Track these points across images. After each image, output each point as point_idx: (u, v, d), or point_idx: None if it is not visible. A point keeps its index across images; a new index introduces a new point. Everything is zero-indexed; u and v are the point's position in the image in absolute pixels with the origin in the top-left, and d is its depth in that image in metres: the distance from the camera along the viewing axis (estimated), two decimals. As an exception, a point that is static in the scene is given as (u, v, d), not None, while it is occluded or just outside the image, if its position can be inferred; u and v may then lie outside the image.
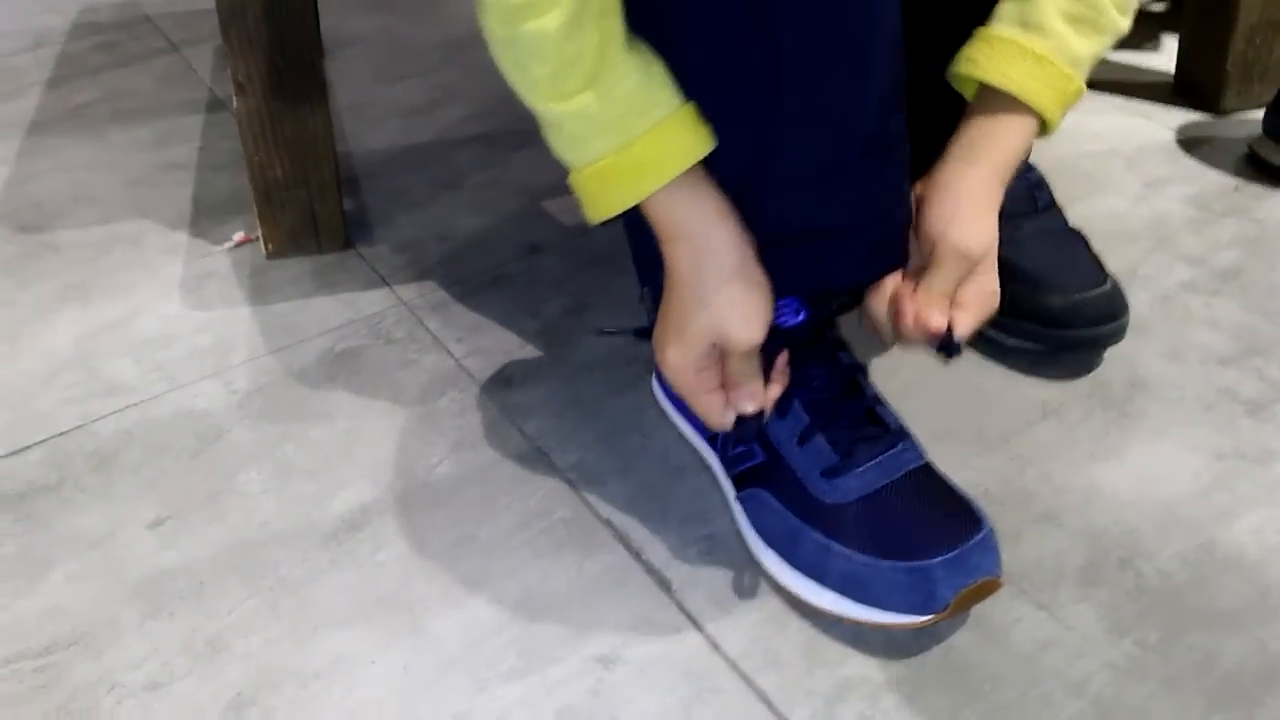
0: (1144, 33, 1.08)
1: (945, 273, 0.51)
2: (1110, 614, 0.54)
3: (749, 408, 0.52)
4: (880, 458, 0.53)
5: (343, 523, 0.60)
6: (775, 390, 0.54)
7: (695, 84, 0.48)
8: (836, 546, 0.51)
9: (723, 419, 0.53)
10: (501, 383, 0.70)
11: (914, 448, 0.54)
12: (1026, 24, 0.52)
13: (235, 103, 0.76)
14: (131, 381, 0.71)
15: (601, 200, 0.49)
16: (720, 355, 0.52)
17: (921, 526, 0.51)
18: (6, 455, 0.65)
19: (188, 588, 0.56)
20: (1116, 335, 0.67)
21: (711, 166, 0.50)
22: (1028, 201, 0.70)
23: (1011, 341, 0.69)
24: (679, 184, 0.48)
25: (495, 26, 0.47)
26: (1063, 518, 0.59)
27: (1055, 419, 0.66)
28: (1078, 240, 0.71)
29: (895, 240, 0.53)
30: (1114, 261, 0.77)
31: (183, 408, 0.68)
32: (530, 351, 0.73)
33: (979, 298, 0.52)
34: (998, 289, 0.53)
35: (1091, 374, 0.69)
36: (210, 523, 0.60)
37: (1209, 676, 0.50)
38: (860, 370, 0.57)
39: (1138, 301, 0.74)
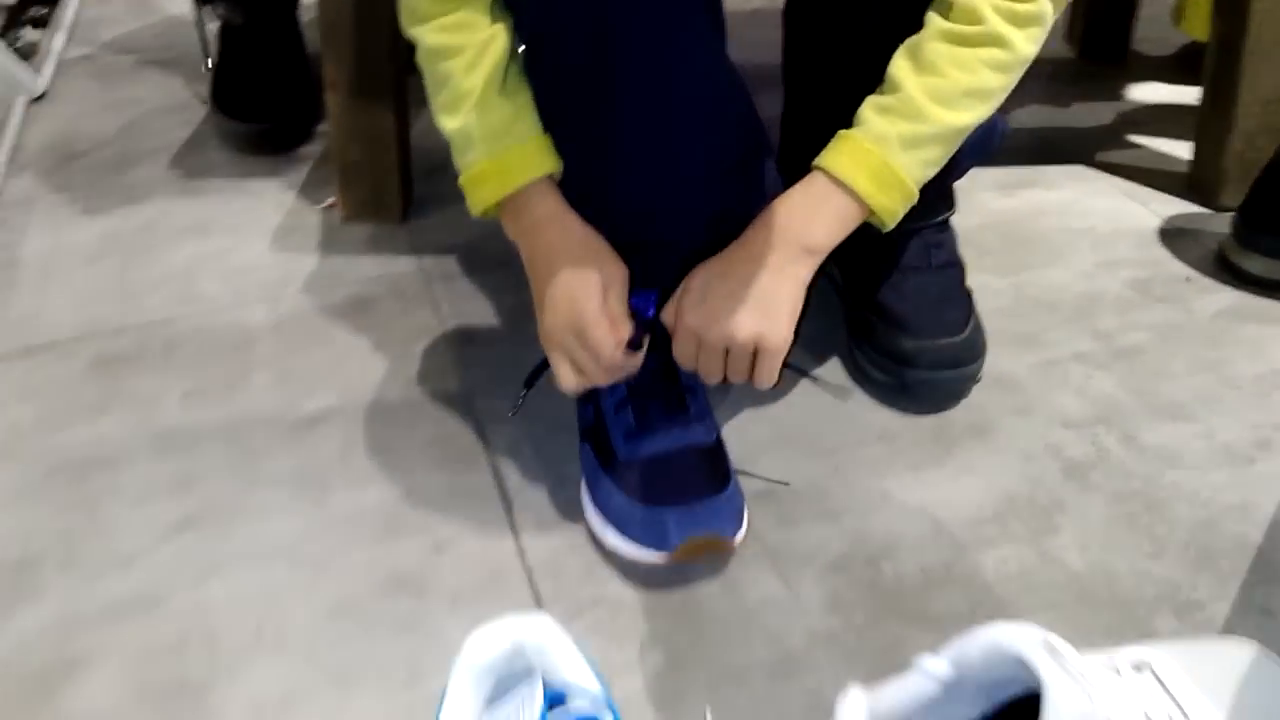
0: (1183, 124, 1.11)
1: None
2: (835, 596, 0.65)
3: (597, 379, 0.66)
4: (669, 432, 0.66)
5: (309, 418, 0.80)
6: (635, 361, 0.65)
7: (549, 119, 0.64)
8: (619, 493, 0.66)
9: (567, 383, 0.67)
10: (465, 340, 0.88)
11: (706, 430, 0.67)
12: (853, 121, 0.63)
13: (328, 97, 0.98)
14: (211, 295, 0.94)
15: (475, 196, 0.65)
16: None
17: (677, 484, 0.64)
18: (111, 332, 0.90)
19: (187, 442, 0.78)
20: (959, 381, 0.76)
21: (565, 187, 0.65)
22: (922, 257, 0.80)
23: (874, 373, 0.79)
24: (530, 192, 0.64)
25: (419, 60, 0.65)
26: (843, 518, 0.70)
27: (886, 443, 0.76)
28: (958, 298, 0.80)
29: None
30: (1025, 327, 0.86)
31: (236, 320, 0.91)
32: (498, 322, 0.90)
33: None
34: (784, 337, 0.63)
35: (941, 414, 0.78)
36: (220, 403, 0.82)
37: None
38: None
39: (1022, 364, 0.82)
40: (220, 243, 1.03)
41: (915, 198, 0.63)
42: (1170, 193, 1.04)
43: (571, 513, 0.71)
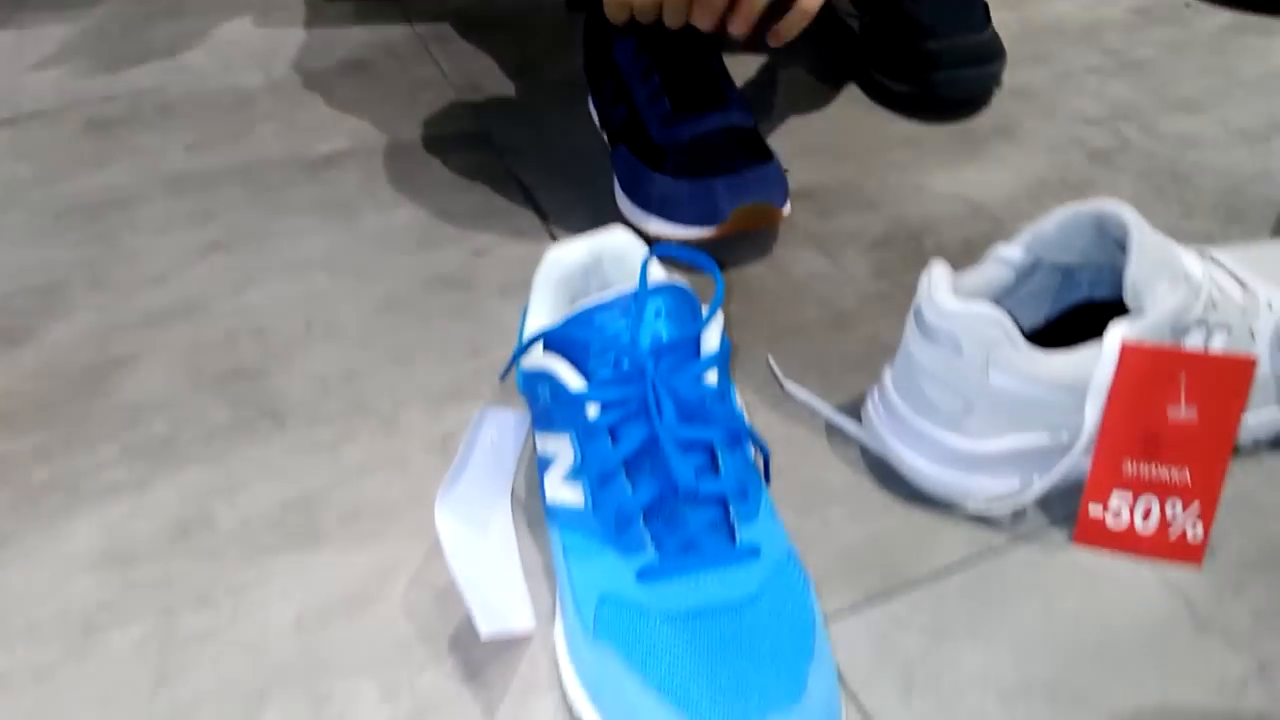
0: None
1: None
2: (881, 267, 0.65)
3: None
4: (707, 115, 0.66)
5: (322, 159, 0.78)
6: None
7: None
8: (659, 177, 0.65)
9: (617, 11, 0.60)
10: (473, 89, 0.86)
11: (742, 114, 0.67)
12: None
13: None
14: (199, 65, 0.90)
15: None
16: None
17: (718, 158, 0.63)
18: (99, 100, 0.86)
19: (201, 183, 0.75)
20: (983, 80, 0.76)
21: None
22: (938, -31, 0.79)
23: (896, 86, 0.79)
24: None
25: None
26: (881, 207, 0.70)
27: (914, 147, 0.76)
28: (978, 5, 0.79)
29: None
30: (1034, 48, 0.86)
31: (230, 83, 0.87)
32: (504, 70, 0.88)
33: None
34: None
35: (964, 121, 0.78)
36: (228, 151, 0.79)
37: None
38: (718, 59, 0.69)
39: (1038, 77, 0.83)
40: (198, 22, 0.98)
41: None
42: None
43: (609, 220, 0.71)
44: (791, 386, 0.56)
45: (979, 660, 0.44)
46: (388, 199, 0.74)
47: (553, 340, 0.44)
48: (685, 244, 0.64)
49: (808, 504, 0.51)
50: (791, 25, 0.61)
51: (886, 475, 0.52)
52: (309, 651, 0.45)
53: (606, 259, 0.50)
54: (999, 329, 0.44)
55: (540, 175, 0.75)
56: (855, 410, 0.55)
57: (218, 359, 0.61)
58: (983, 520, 0.50)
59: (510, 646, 0.45)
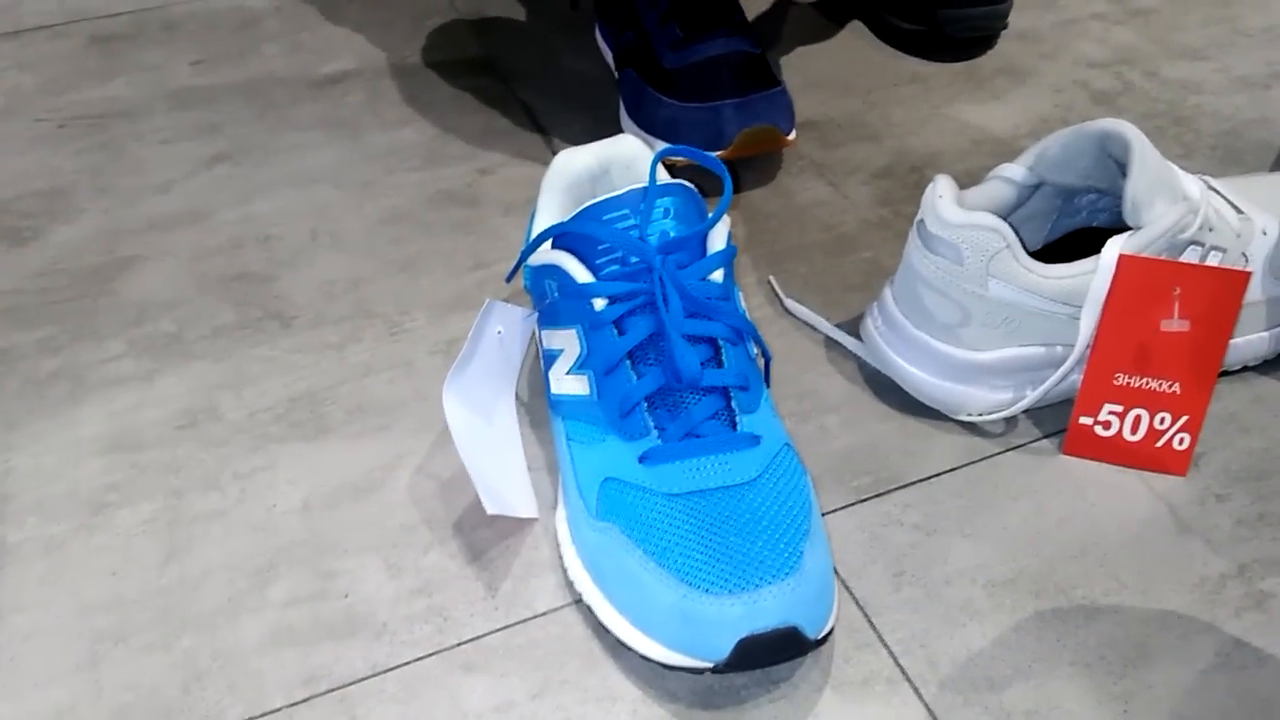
0: None
1: None
2: (883, 195, 0.66)
3: None
4: (717, 39, 0.66)
5: (327, 78, 0.78)
6: None
7: None
8: (665, 99, 0.65)
9: None
10: (477, 15, 0.85)
11: (750, 42, 0.67)
12: None
13: None
14: (204, -15, 0.91)
15: None
16: None
17: (725, 82, 0.64)
18: (103, 16, 0.85)
19: (206, 98, 0.75)
20: (991, 19, 0.77)
21: None
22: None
23: (904, 25, 0.79)
24: None
25: None
26: (884, 139, 0.71)
27: (919, 84, 0.77)
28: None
29: None
30: (1036, -5, 0.87)
31: (236, 3, 0.87)
32: (509, 2, 0.88)
33: None
34: None
35: (970, 61, 0.79)
36: (233, 69, 0.79)
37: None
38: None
39: (1043, 23, 0.83)
40: (203, -54, 0.98)
41: None
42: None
43: (609, 133, 0.71)
44: (791, 304, 0.57)
45: (967, 554, 0.45)
46: (393, 118, 0.74)
47: (561, 238, 0.45)
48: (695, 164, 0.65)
49: (805, 411, 0.52)
50: None
51: (882, 387, 0.53)
52: (316, 533, 0.46)
53: (615, 167, 0.50)
54: (1000, 239, 0.45)
55: (544, 99, 0.76)
56: (853, 328, 0.56)
57: (223, 263, 0.61)
58: (975, 430, 0.51)
59: (512, 532, 0.46)
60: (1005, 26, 0.79)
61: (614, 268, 0.43)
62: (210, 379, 0.54)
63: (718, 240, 0.44)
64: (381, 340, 0.56)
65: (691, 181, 0.49)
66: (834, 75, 0.78)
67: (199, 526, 0.47)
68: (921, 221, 0.48)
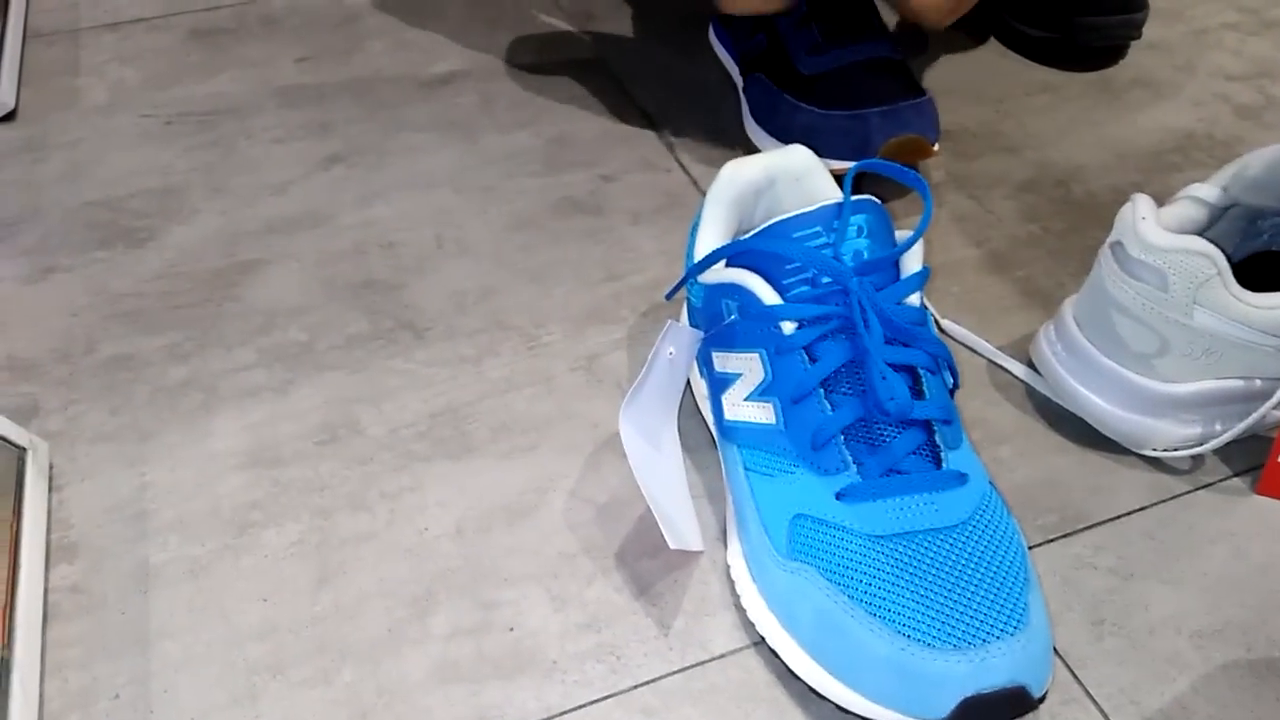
0: None
1: None
2: (1030, 210, 0.63)
3: None
4: (856, 45, 0.63)
5: (437, 78, 0.76)
6: None
7: None
8: (803, 106, 0.63)
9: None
10: (586, 16, 0.83)
11: (891, 48, 0.64)
12: None
13: None
14: (302, -21, 0.89)
15: None
16: None
17: (871, 89, 0.61)
18: (202, 9, 0.84)
19: (314, 96, 0.73)
20: (1129, 28, 0.74)
21: None
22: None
23: (1034, 32, 0.76)
24: None
25: None
26: (1024, 151, 0.68)
27: (1052, 93, 0.73)
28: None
29: None
30: (1165, 3, 0.83)
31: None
32: (617, 2, 0.86)
33: None
34: None
35: (1102, 71, 0.76)
36: (339, 66, 0.77)
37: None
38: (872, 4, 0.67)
39: (1174, 33, 0.80)
40: (297, -61, 0.96)
41: None
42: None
43: (737, 150, 0.68)
44: (949, 325, 0.54)
45: (1169, 602, 0.43)
46: (508, 121, 0.72)
47: (741, 255, 0.43)
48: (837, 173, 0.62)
49: (975, 442, 0.49)
50: None
51: (1056, 417, 0.50)
52: (471, 559, 0.44)
53: (782, 179, 0.48)
54: (1211, 265, 0.42)
55: (661, 103, 0.73)
56: (1017, 352, 0.53)
57: (348, 270, 0.59)
58: (1160, 465, 0.48)
59: (679, 565, 0.44)
60: (1139, 36, 0.76)
61: (803, 288, 0.41)
62: (347, 391, 0.52)
63: (913, 262, 0.42)
64: (520, 354, 0.54)
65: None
66: (962, 82, 0.75)
67: (349, 550, 0.44)
68: (1119, 244, 0.45)
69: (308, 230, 0.62)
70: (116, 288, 0.58)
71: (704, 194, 0.55)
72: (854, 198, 0.42)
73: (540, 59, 0.78)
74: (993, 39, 0.79)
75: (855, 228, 0.41)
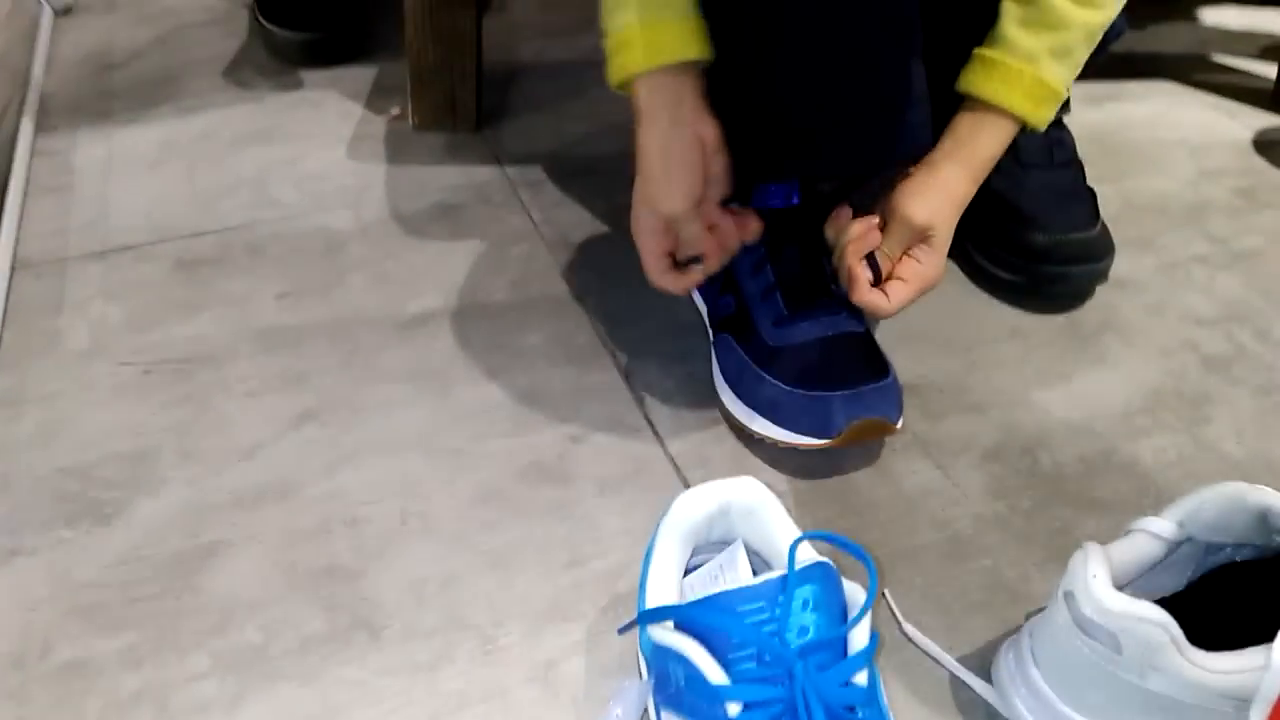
0: (1259, 44, 1.11)
1: (893, 239, 0.62)
2: (997, 483, 0.63)
3: (693, 273, 0.64)
4: (822, 318, 0.64)
5: (414, 318, 0.77)
6: (711, 263, 0.63)
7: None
8: (769, 379, 0.63)
9: (658, 279, 0.64)
10: (564, 243, 0.85)
11: (855, 320, 0.65)
12: (991, 40, 0.62)
13: (405, -3, 0.94)
14: (288, 201, 0.90)
15: (614, 64, 0.61)
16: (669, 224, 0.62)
17: (836, 369, 0.62)
18: (188, 236, 0.85)
19: (293, 339, 0.74)
20: (1092, 276, 0.75)
21: (715, 74, 0.61)
22: (1044, 154, 0.78)
23: (1000, 273, 0.77)
24: (667, 76, 0.59)
25: None
26: (990, 411, 0.68)
27: (1020, 340, 0.74)
28: (1082, 194, 0.78)
29: (882, 144, 0.63)
30: (1137, 230, 0.84)
31: (321, 224, 0.87)
32: (596, 227, 0.87)
33: (916, 276, 0.62)
34: (940, 272, 0.63)
35: (1070, 312, 0.77)
36: (319, 302, 0.78)
37: (1059, 539, 0.60)
38: (829, 252, 0.68)
39: (1143, 266, 0.81)
40: (287, 150, 0.98)
41: (1064, 97, 0.62)
42: (1258, 107, 1.03)
43: (706, 406, 0.69)
44: (911, 630, 0.54)
45: None
46: (481, 370, 0.72)
47: (687, 619, 0.42)
48: (799, 448, 0.62)
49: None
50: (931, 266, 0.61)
51: (1017, 746, 0.49)
52: None
53: (735, 511, 0.48)
54: (1165, 634, 0.42)
55: (634, 349, 0.74)
56: (981, 662, 0.53)
57: (311, 552, 0.59)
58: (1124, 811, 0.47)
59: None
60: (1105, 280, 0.77)
61: (749, 665, 0.40)
62: (297, 709, 0.51)
63: (861, 637, 0.41)
64: (475, 661, 0.53)
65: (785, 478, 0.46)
66: (929, 325, 0.75)
67: None
68: (1072, 595, 0.45)
69: (274, 504, 0.62)
70: (79, 576, 0.58)
71: (668, 510, 0.55)
72: (801, 564, 0.42)
73: (517, 294, 0.79)
74: (960, 274, 0.80)
75: (801, 600, 0.41)
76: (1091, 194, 0.78)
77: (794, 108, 0.63)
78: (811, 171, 0.66)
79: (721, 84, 0.61)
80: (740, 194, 0.66)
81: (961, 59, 0.63)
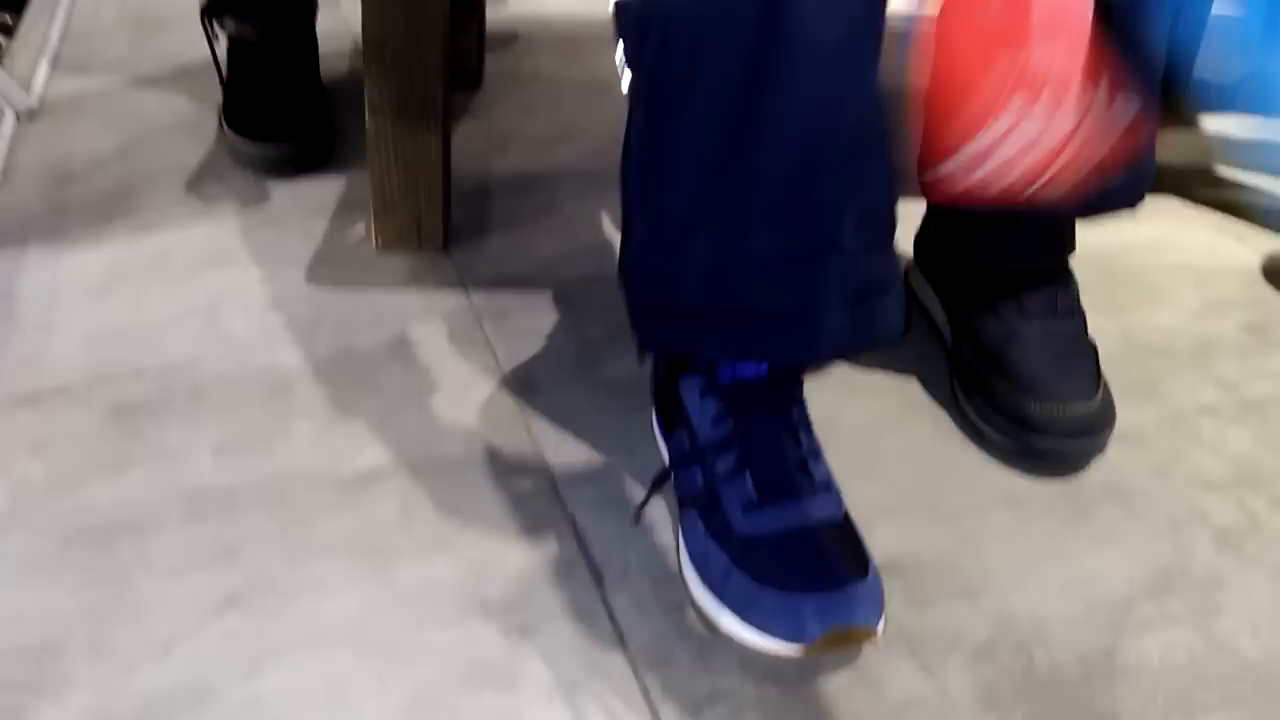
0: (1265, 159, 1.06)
1: None
2: (988, 690, 0.57)
3: None
4: (795, 504, 0.58)
5: (359, 476, 0.71)
6: None
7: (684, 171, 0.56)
8: (737, 572, 0.57)
9: None
10: (526, 386, 0.79)
11: (832, 503, 0.59)
12: None
13: (368, 120, 0.90)
14: (238, 334, 0.85)
15: None
16: None
17: (811, 568, 0.56)
18: (128, 374, 0.80)
19: (226, 504, 0.69)
20: (1085, 454, 0.69)
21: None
22: (1048, 302, 0.73)
23: (992, 434, 0.71)
24: None
25: None
26: (980, 597, 0.62)
27: (1014, 508, 0.68)
28: (1085, 352, 0.73)
29: (843, 327, 0.58)
30: (1141, 375, 0.79)
31: (270, 362, 0.82)
32: (561, 363, 0.82)
33: None
34: None
35: (1069, 476, 0.71)
36: (259, 459, 0.72)
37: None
38: (805, 426, 0.62)
39: (1148, 417, 0.75)
40: (243, 275, 0.93)
41: None
42: (1266, 228, 0.99)
43: (671, 590, 0.63)
44: None
45: None
46: (427, 541, 0.66)
47: None
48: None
49: None
50: None
51: None
52: None
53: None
54: None
55: (596, 517, 0.68)
56: None
57: (220, 780, 0.53)
58: None
59: None
60: (1103, 450, 0.71)
61: None
62: None
63: None
64: None
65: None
66: (916, 489, 0.69)
67: None
68: None
69: (185, 712, 0.56)
70: (-43, 808, 0.52)
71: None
72: None
73: (472, 446, 0.74)
74: (948, 420, 0.75)
75: None
76: (1093, 351, 0.73)
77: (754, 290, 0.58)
78: (775, 354, 0.60)
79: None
80: (707, 361, 0.61)
81: None
